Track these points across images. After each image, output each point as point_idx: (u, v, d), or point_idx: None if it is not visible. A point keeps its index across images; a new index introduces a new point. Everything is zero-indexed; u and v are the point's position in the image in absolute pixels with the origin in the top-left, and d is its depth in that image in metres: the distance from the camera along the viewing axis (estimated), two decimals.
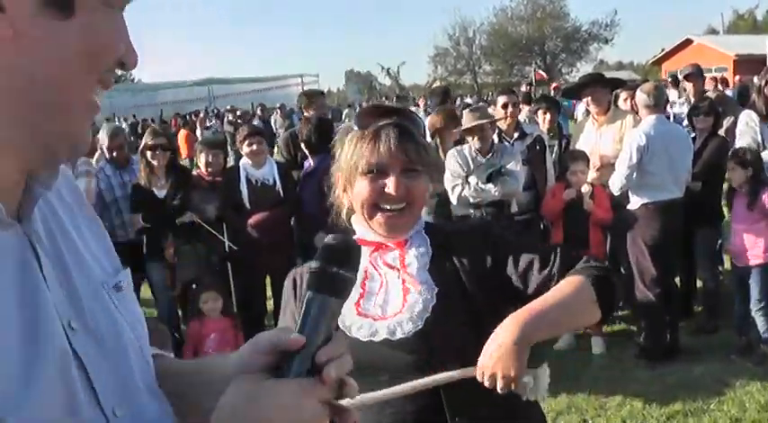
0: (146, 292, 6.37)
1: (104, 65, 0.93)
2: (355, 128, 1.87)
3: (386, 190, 1.79)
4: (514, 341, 1.60)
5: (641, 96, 5.62)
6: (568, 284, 1.73)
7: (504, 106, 6.39)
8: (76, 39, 0.88)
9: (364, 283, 1.87)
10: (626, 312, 6.46)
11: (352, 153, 1.84)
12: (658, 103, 5.60)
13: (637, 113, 6.20)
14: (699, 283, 6.54)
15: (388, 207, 1.81)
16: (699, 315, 6.20)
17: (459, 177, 5.85)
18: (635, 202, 5.62)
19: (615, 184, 5.59)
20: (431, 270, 1.85)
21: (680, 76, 11.43)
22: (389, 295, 1.84)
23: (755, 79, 13.58)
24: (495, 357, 1.61)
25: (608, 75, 7.63)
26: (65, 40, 0.87)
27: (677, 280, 6.29)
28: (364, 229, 1.89)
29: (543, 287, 1.78)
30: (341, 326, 1.79)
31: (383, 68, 52.48)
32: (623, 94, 7.61)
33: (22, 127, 0.88)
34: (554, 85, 18.96)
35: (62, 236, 1.02)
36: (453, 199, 5.93)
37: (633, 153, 5.44)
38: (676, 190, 5.58)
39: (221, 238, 5.79)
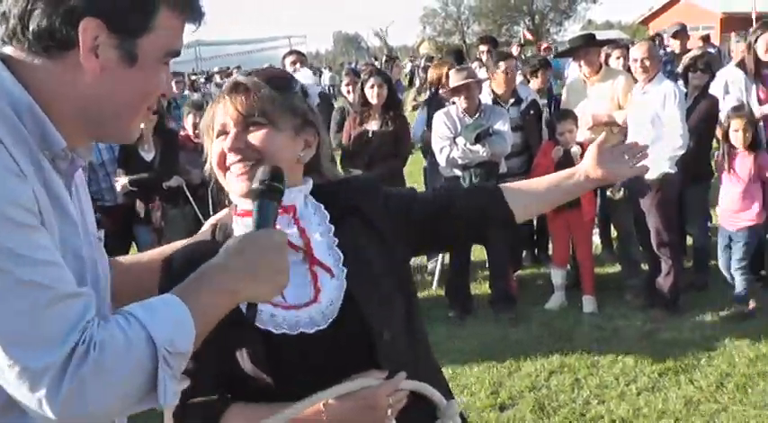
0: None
1: (152, 98, 1.44)
2: None
3: (224, 148, 1.67)
4: None
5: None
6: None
7: (506, 72, 6.28)
8: (137, 83, 1.37)
9: None
10: (616, 270, 6.51)
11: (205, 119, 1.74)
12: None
13: (629, 72, 6.17)
14: (689, 240, 6.54)
15: (236, 166, 1.66)
16: (688, 271, 6.17)
17: (447, 139, 5.81)
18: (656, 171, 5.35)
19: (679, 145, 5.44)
20: (339, 241, 1.71)
21: (665, 35, 11.34)
22: (295, 279, 1.58)
23: (733, 36, 13.56)
24: None
25: (597, 35, 7.59)
26: (129, 83, 1.36)
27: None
28: (238, 199, 1.72)
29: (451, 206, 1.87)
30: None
31: (372, 30, 51.93)
32: (615, 53, 7.57)
33: (83, 124, 1.37)
34: (544, 45, 18.73)
35: (81, 192, 1.51)
36: (441, 161, 5.89)
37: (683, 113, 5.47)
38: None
39: (194, 206, 5.77)
